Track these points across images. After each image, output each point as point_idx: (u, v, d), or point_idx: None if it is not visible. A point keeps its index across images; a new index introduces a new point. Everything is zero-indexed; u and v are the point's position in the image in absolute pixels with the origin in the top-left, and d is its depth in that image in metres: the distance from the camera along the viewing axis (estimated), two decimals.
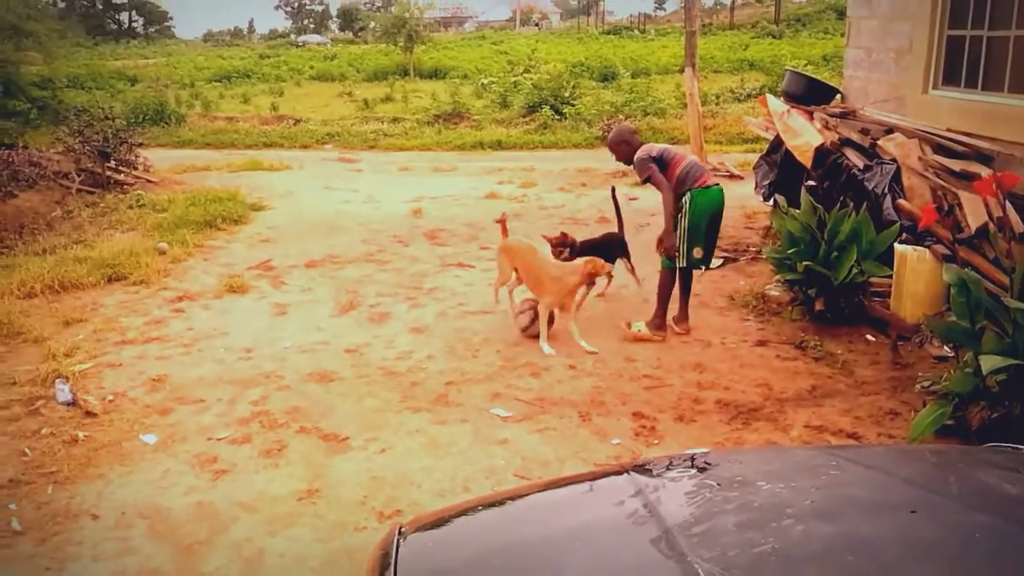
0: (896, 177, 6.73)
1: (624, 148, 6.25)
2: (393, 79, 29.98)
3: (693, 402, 5.16)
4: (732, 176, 12.34)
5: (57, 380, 5.53)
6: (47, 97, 18.05)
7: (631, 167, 6.30)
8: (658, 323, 6.20)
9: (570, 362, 5.79)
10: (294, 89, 29.76)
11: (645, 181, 6.14)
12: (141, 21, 75.70)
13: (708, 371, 5.59)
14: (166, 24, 77.86)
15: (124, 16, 75.00)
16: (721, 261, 7.96)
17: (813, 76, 10.48)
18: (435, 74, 32.04)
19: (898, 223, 6.28)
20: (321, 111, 22.60)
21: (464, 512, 2.40)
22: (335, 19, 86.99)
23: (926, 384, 4.85)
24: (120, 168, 12.05)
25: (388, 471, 4.44)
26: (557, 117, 18.19)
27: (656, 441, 4.71)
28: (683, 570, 1.73)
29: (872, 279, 6.17)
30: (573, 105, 18.58)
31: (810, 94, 9.11)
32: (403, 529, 2.23)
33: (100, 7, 71.78)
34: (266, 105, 23.40)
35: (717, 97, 20.42)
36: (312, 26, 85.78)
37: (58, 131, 12.96)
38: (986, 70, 6.98)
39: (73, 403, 5.27)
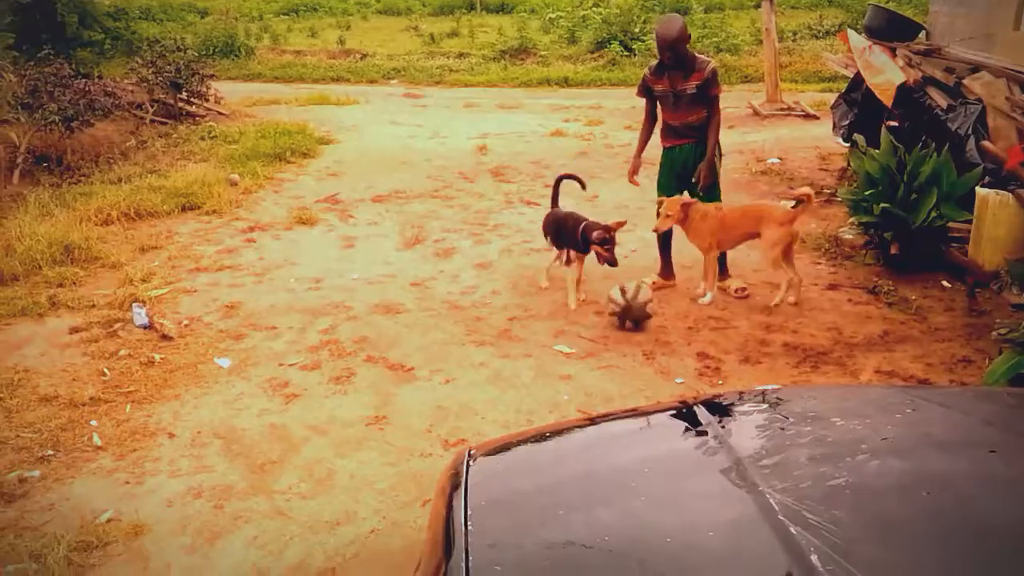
0: (981, 118, 6.44)
1: (683, 47, 5.41)
2: (459, 13, 29.55)
3: (760, 344, 5.10)
4: (808, 116, 11.96)
5: (134, 304, 5.72)
6: (120, 28, 18.25)
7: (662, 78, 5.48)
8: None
9: None
10: (361, 23, 29.59)
11: (705, 99, 5.50)
12: None
13: (776, 314, 5.51)
14: None
15: None
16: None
17: (896, 11, 10.02)
18: (502, 8, 31.44)
19: (981, 165, 6.03)
20: (387, 46, 22.48)
21: (532, 439, 2.43)
22: None
23: (1003, 332, 4.68)
24: (192, 100, 12.21)
25: (452, 401, 4.51)
26: (626, 53, 17.76)
27: (721, 382, 4.68)
28: (755, 500, 1.73)
29: (951, 223, 5.96)
30: (643, 41, 18.09)
31: (893, 30, 8.71)
32: (472, 452, 2.26)
33: None
34: (333, 39, 23.34)
35: (794, 33, 19.66)
36: None
37: (132, 62, 13.14)
38: None
39: (149, 327, 5.45)
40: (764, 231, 5.52)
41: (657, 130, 5.87)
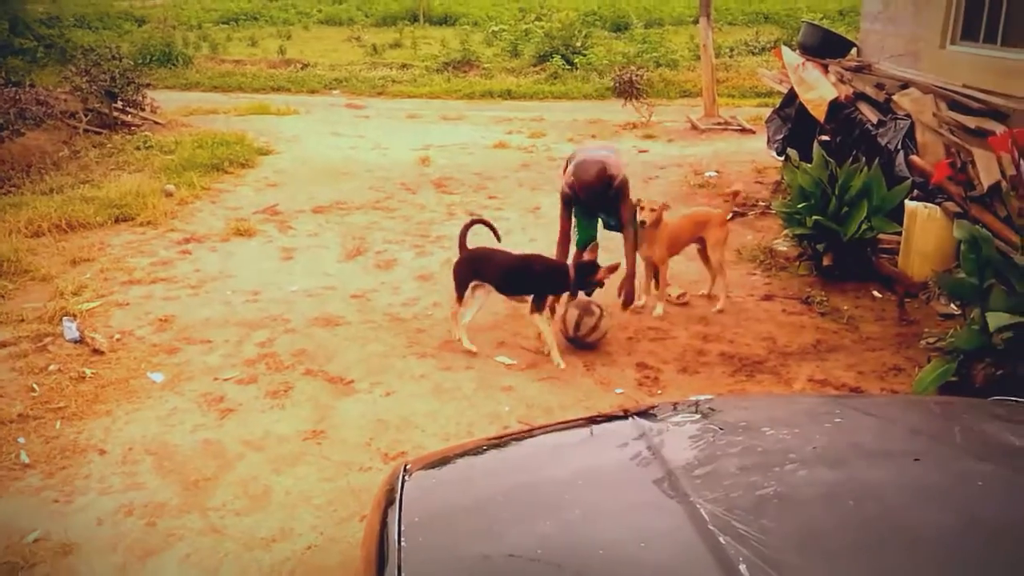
0: (910, 133, 6.66)
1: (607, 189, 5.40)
2: (402, 25, 29.51)
3: (697, 354, 5.17)
4: (744, 130, 12.21)
5: (64, 318, 5.55)
6: (54, 35, 17.80)
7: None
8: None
9: None
10: (302, 33, 29.33)
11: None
12: None
13: (713, 324, 5.59)
14: None
15: None
16: (730, 215, 7.91)
17: (829, 29, 10.31)
18: (445, 20, 31.50)
19: (910, 179, 6.23)
20: (329, 56, 22.31)
21: (468, 452, 2.42)
22: None
23: (931, 340, 4.84)
24: (127, 109, 11.95)
25: (393, 414, 4.48)
26: (568, 67, 17.94)
27: (659, 391, 4.73)
28: (686, 511, 1.75)
29: (881, 235, 6.14)
30: (584, 55, 18.31)
31: (826, 47, 8.97)
32: (408, 467, 2.25)
33: None
34: (274, 48, 23.10)
35: (731, 50, 20.09)
36: None
37: (65, 70, 12.82)
38: (1006, 25, 6.84)
39: (80, 341, 5.30)
40: (709, 235, 5.80)
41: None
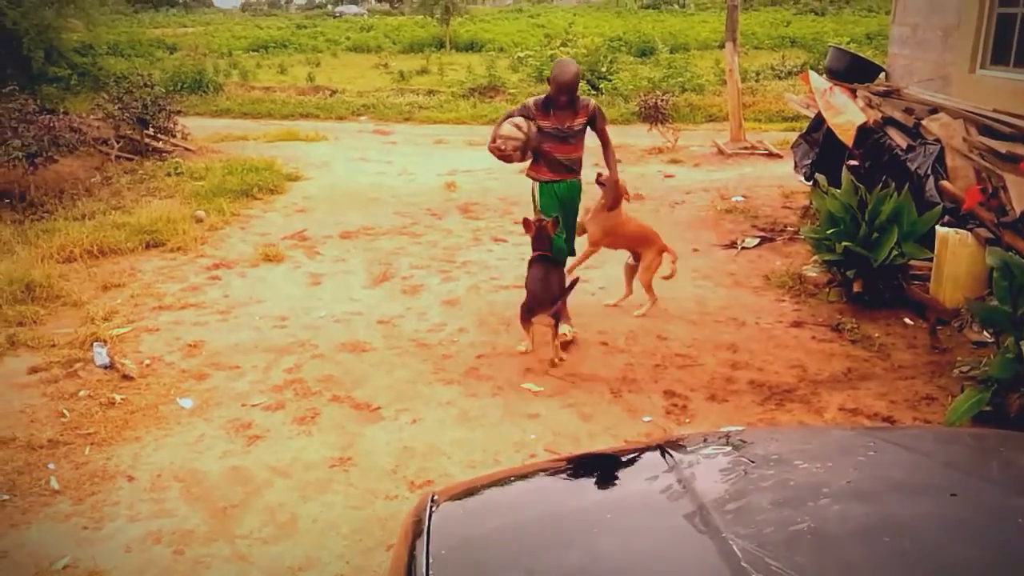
0: (940, 158, 6.59)
1: (576, 90, 5.64)
2: (429, 51, 29.87)
3: (726, 382, 5.13)
4: (771, 155, 12.17)
5: (95, 344, 5.62)
6: (87, 64, 18.16)
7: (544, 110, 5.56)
8: None
9: (602, 339, 5.77)
10: (330, 60, 29.78)
11: (585, 128, 5.68)
12: None
13: (742, 351, 5.55)
14: None
15: None
16: (757, 241, 7.88)
17: (857, 53, 10.28)
18: (471, 47, 31.85)
19: (940, 205, 6.16)
20: (357, 82, 22.60)
21: (496, 483, 2.41)
22: None
23: (964, 369, 4.76)
24: (158, 136, 12.16)
25: (419, 442, 4.47)
26: (593, 92, 18.02)
27: (688, 420, 4.69)
28: (717, 546, 1.72)
29: (912, 261, 6.06)
30: (610, 80, 18.39)
31: (853, 72, 8.94)
32: (436, 497, 2.24)
33: None
34: (303, 75, 23.45)
35: (757, 74, 20.10)
36: None
37: (98, 97, 13.08)
38: None
39: (110, 367, 5.36)
40: (646, 253, 6.14)
41: (525, 166, 5.93)
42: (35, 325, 6.02)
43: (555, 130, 5.63)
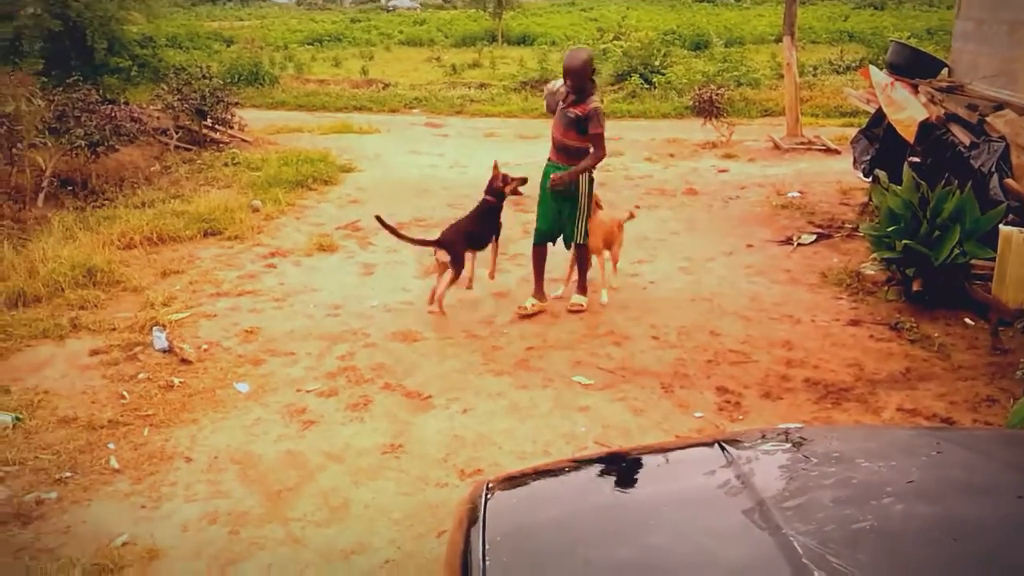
0: (1004, 155, 6.41)
1: (584, 79, 5.75)
2: (481, 45, 29.89)
3: (780, 379, 5.05)
4: (828, 150, 11.94)
5: (154, 328, 5.74)
6: (148, 55, 18.51)
7: (564, 100, 5.86)
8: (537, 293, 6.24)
9: (653, 332, 5.74)
10: (384, 53, 29.96)
11: (585, 133, 5.75)
12: None
13: (797, 348, 5.46)
14: None
15: None
16: (814, 237, 7.75)
17: (919, 48, 10.04)
18: (523, 40, 31.78)
19: (1004, 203, 5.99)
20: (409, 76, 22.72)
21: (551, 473, 2.41)
22: None
23: None
24: (216, 126, 12.36)
25: (469, 431, 4.49)
26: (646, 86, 17.85)
27: (741, 417, 4.63)
28: (777, 542, 1.71)
29: (974, 261, 5.91)
30: (663, 74, 18.20)
31: (915, 67, 8.72)
32: (491, 485, 2.25)
33: None
34: (356, 69, 23.64)
35: (815, 68, 19.72)
36: None
37: (158, 88, 13.34)
38: None
39: (169, 350, 5.47)
40: (617, 239, 6.46)
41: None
42: (96, 309, 6.17)
43: (561, 113, 5.86)
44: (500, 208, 6.30)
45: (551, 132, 6.00)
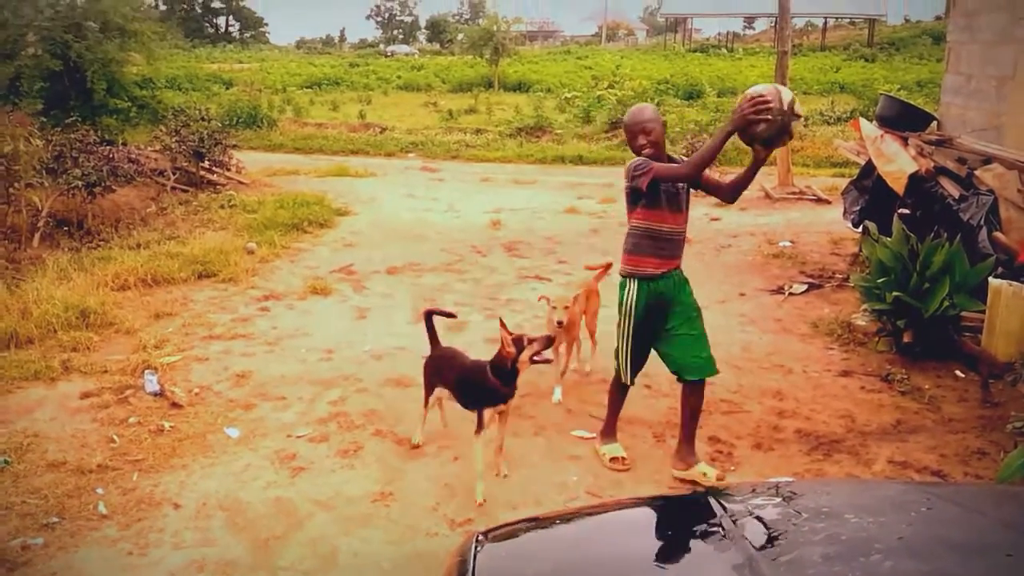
0: (993, 209, 6.50)
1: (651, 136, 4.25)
2: (477, 91, 30.29)
3: (772, 430, 5.06)
4: (819, 200, 12.08)
5: (146, 371, 5.73)
6: (147, 97, 18.73)
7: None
8: (606, 433, 4.74)
9: (646, 381, 5.73)
10: (381, 98, 30.33)
11: (638, 191, 4.23)
12: (237, 26, 78.30)
13: (788, 399, 5.47)
14: (261, 30, 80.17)
15: (221, 21, 77.83)
16: (805, 287, 7.80)
17: (908, 102, 10.21)
18: (519, 87, 32.24)
19: (993, 256, 6.06)
20: (406, 120, 22.98)
21: (541, 525, 2.41)
22: (423, 30, 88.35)
23: (1018, 425, 4.65)
24: (213, 168, 12.47)
25: (460, 480, 4.47)
26: None
27: (733, 468, 4.62)
28: None
29: (964, 313, 5.96)
30: None
31: (905, 120, 8.86)
32: (480, 538, 2.24)
33: (199, 11, 74.59)
34: (354, 113, 23.91)
35: (806, 119, 20.01)
36: (401, 36, 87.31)
37: (156, 130, 13.49)
38: None
39: (160, 394, 5.46)
40: (590, 304, 5.75)
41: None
42: (88, 351, 6.16)
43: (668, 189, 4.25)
44: (506, 389, 4.30)
45: (656, 226, 4.35)
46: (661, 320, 4.36)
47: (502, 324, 4.21)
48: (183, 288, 7.73)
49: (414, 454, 4.75)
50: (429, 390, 4.76)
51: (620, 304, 4.40)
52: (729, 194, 4.40)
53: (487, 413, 4.30)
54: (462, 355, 4.71)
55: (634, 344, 4.40)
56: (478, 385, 4.31)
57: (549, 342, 4.32)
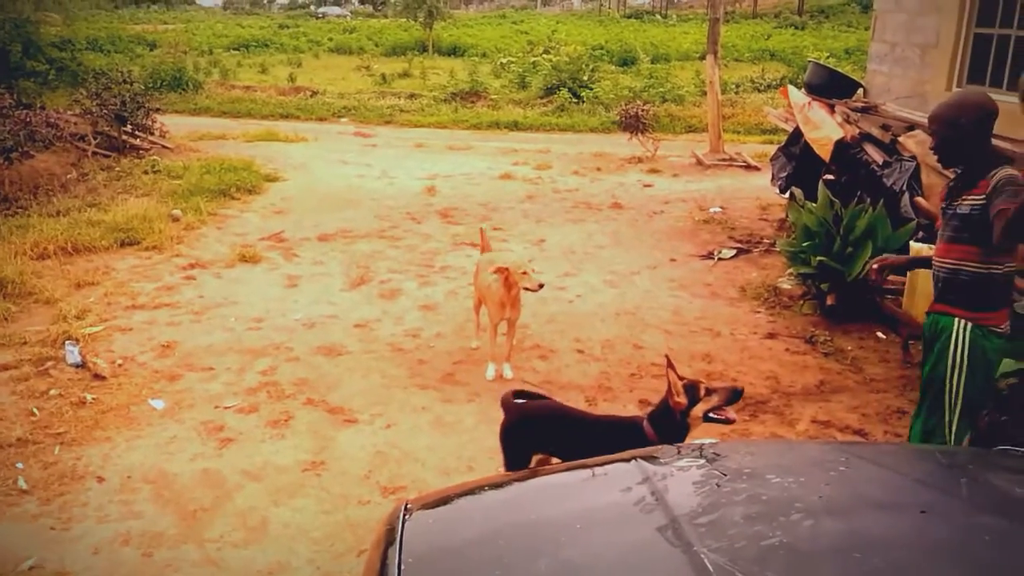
0: (915, 174, 6.67)
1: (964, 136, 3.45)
2: (411, 55, 29.83)
3: None
4: (749, 167, 12.26)
5: (67, 342, 5.55)
6: (65, 58, 17.97)
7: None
8: None
9: (578, 346, 5.78)
10: (312, 61, 29.65)
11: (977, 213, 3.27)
12: None
13: (716, 361, 5.58)
14: None
15: None
16: (734, 252, 7.93)
17: (836, 69, 10.38)
18: (454, 51, 31.85)
19: (915, 220, 6.23)
20: (338, 84, 22.52)
21: (469, 492, 2.40)
22: None
23: None
24: (136, 133, 12.05)
25: (393, 447, 4.45)
26: (575, 100, 18.08)
27: None
28: (689, 560, 1.73)
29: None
30: (591, 89, 18.45)
31: (832, 87, 9.02)
32: (409, 506, 2.23)
33: None
34: (284, 76, 23.34)
35: (737, 86, 20.26)
36: None
37: (76, 93, 12.96)
38: (1012, 70, 6.88)
39: (82, 365, 5.29)
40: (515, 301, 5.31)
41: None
42: (6, 322, 5.93)
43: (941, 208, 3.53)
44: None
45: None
46: None
47: (669, 364, 3.22)
48: (105, 256, 7.48)
49: (346, 422, 4.71)
50: (519, 462, 3.44)
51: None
52: None
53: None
54: (571, 409, 3.72)
55: None
56: (622, 447, 2.51)
57: (735, 395, 3.27)
